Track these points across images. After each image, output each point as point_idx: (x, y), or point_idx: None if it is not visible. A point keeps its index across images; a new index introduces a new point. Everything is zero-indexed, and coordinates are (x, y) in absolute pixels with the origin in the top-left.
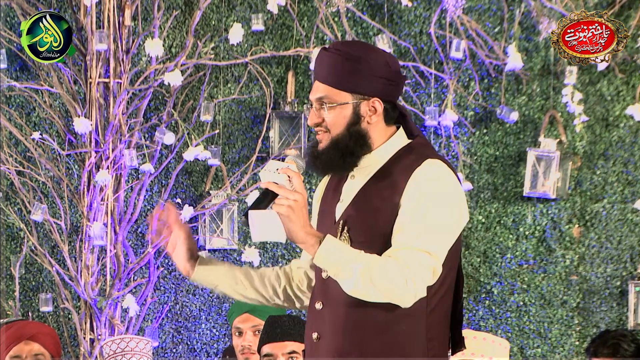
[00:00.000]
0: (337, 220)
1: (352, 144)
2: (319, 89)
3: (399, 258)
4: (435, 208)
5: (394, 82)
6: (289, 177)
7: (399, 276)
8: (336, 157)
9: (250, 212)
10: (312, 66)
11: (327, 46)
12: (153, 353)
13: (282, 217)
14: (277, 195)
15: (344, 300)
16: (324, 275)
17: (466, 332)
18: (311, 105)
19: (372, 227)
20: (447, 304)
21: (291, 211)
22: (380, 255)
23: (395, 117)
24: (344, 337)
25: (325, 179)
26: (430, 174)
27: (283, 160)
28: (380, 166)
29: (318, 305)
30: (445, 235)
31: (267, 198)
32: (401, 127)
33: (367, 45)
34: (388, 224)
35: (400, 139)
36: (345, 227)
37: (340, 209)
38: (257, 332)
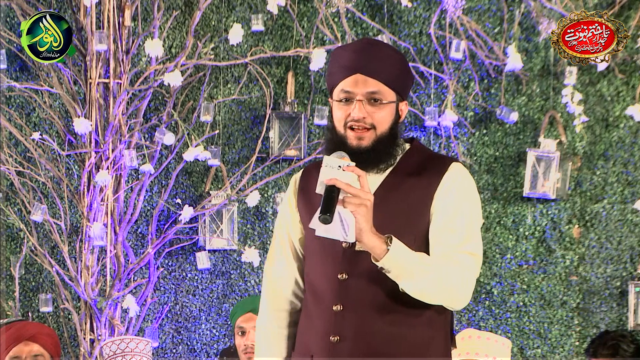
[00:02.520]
0: None
1: (392, 144)
2: (368, 84)
3: (456, 262)
4: (473, 210)
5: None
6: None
7: (458, 280)
8: (383, 155)
9: (338, 208)
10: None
11: (368, 39)
12: (153, 353)
13: (357, 216)
14: (338, 192)
15: (369, 302)
16: (341, 277)
17: (470, 332)
18: (348, 99)
19: (393, 227)
20: None
21: (367, 210)
22: None
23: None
24: (372, 339)
25: (296, 183)
26: (461, 178)
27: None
28: (390, 169)
29: (337, 308)
30: (480, 236)
31: (335, 195)
32: None
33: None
34: (413, 225)
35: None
36: None
37: None
38: None
